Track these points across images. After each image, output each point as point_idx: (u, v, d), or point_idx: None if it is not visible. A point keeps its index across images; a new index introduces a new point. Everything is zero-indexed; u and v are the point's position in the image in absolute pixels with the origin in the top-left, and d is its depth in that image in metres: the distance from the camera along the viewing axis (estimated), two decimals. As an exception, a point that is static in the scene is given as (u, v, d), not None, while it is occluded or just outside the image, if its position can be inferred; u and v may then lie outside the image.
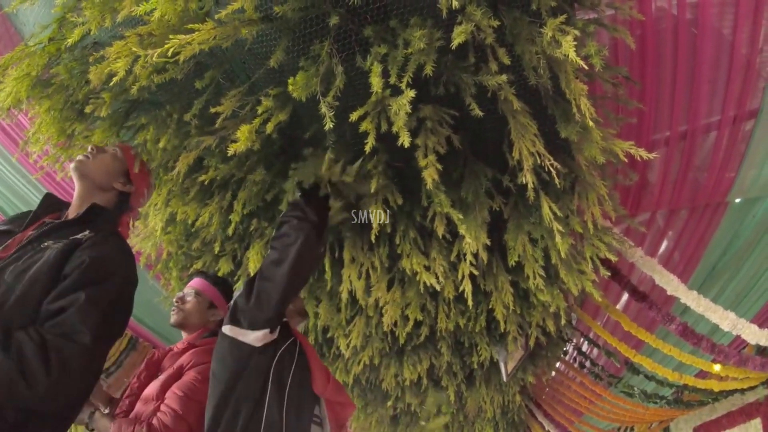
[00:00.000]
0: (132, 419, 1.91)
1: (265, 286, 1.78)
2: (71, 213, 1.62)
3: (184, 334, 2.29)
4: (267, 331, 1.78)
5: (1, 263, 1.39)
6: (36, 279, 1.35)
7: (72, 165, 1.69)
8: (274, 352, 1.83)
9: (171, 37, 1.42)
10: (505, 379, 3.77)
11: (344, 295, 2.42)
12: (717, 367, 3.71)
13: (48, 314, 1.31)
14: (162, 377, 2.05)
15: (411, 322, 2.75)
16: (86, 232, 1.49)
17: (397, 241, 2.29)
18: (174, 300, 2.32)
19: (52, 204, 1.69)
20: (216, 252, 2.71)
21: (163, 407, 1.93)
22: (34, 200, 3.72)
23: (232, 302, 1.86)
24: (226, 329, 1.79)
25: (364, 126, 1.62)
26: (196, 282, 2.37)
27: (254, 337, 1.77)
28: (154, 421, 1.88)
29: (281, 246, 1.83)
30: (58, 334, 1.28)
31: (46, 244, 1.43)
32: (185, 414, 1.89)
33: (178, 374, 2.04)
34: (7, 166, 3.53)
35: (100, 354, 1.38)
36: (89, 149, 1.74)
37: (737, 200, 3.42)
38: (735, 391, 4.69)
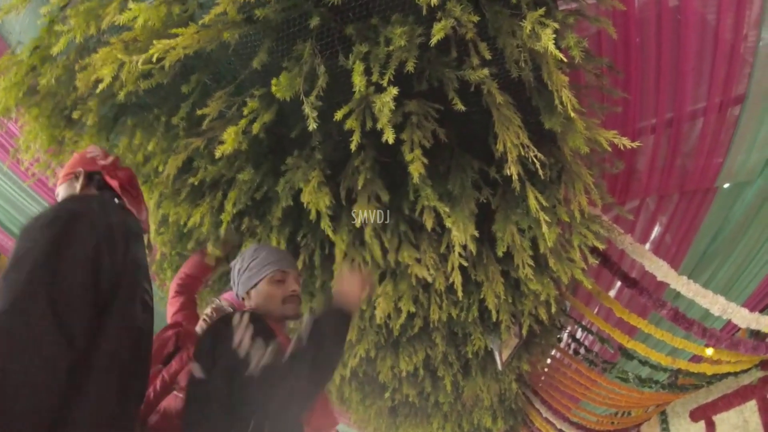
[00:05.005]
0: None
1: None
2: None
3: None
4: None
5: None
6: None
7: None
8: None
9: (155, 42, 1.44)
10: (500, 367, 3.81)
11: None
12: (709, 351, 3.73)
13: None
14: None
15: (404, 314, 2.77)
16: None
17: (388, 235, 2.32)
18: None
19: None
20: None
21: None
22: (27, 207, 3.75)
23: None
24: None
25: (349, 124, 1.64)
26: None
27: None
28: None
29: None
30: None
31: None
32: None
33: None
34: (-1, 174, 3.54)
35: (39, 313, 1.05)
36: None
37: (726, 185, 3.44)
38: (729, 374, 4.72)
